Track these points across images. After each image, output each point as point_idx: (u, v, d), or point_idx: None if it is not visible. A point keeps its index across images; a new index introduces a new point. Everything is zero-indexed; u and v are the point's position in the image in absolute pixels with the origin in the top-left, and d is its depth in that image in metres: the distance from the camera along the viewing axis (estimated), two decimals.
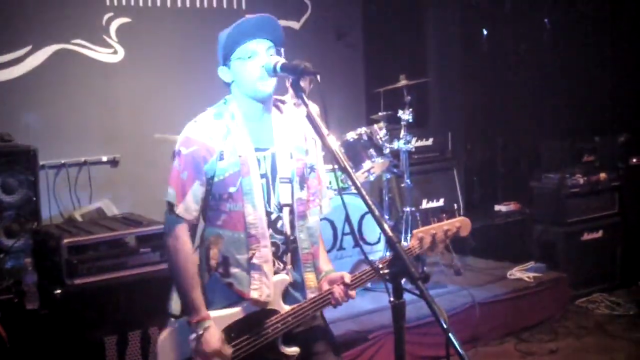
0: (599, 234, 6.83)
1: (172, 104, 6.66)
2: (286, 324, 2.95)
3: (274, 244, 2.98)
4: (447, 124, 8.42)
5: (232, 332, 2.93)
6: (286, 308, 2.98)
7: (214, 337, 2.86)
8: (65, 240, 4.42)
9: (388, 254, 5.72)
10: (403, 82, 6.31)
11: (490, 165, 8.76)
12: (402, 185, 6.40)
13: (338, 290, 3.00)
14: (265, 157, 2.99)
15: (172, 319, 2.98)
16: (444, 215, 3.43)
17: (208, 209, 2.96)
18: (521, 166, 8.52)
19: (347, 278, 3.03)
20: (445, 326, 2.21)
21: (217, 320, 2.91)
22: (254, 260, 2.91)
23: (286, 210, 3.02)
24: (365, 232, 5.79)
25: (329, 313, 5.19)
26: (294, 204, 3.03)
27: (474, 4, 8.79)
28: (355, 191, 2.49)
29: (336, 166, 2.55)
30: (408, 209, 6.24)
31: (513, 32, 8.70)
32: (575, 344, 5.62)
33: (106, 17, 6.72)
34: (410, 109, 6.26)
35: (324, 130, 2.58)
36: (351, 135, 5.89)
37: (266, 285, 2.92)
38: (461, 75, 8.98)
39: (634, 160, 7.20)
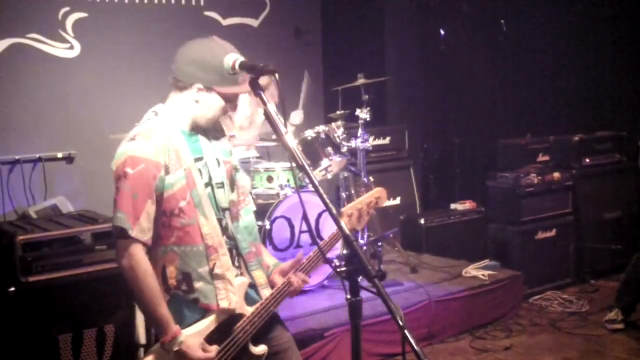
0: (553, 232, 6.93)
1: (129, 100, 6.59)
2: (254, 325, 2.97)
3: (229, 250, 3.00)
4: (404, 122, 8.47)
5: (210, 343, 2.92)
6: (250, 310, 2.99)
7: (193, 347, 2.83)
8: (19, 238, 4.36)
9: (345, 251, 5.75)
10: (361, 80, 6.34)
11: (446, 164, 8.83)
12: (359, 183, 6.43)
13: (295, 278, 3.04)
14: (203, 166, 2.99)
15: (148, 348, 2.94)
16: (363, 189, 4.30)
17: (160, 227, 2.89)
18: (477, 165, 8.61)
19: (301, 261, 3.11)
20: (401, 323, 2.23)
21: (194, 336, 2.89)
22: (216, 271, 2.91)
23: (227, 214, 3.05)
24: (323, 230, 5.80)
25: (286, 311, 5.23)
26: (229, 206, 3.06)
27: (432, 5, 8.85)
28: (312, 189, 2.50)
29: (294, 164, 2.56)
30: None
31: (470, 31, 8.78)
32: (529, 340, 5.70)
33: (62, 11, 6.64)
34: (368, 108, 6.28)
35: (282, 129, 2.59)
36: (309, 134, 5.89)
37: (232, 292, 2.93)
38: (419, 75, 9.05)
39: (587, 160, 7.32)
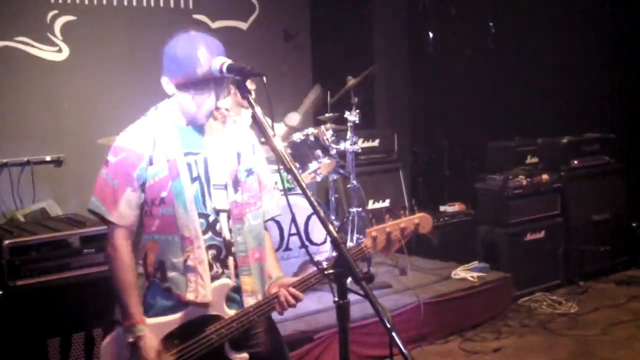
0: (542, 234, 6.95)
1: (117, 103, 6.59)
2: (230, 330, 2.92)
3: (215, 246, 2.98)
4: (394, 125, 8.49)
5: (175, 338, 2.91)
6: (230, 313, 2.96)
7: (150, 348, 2.85)
8: (7, 241, 4.35)
9: (334, 254, 5.75)
10: (351, 82, 6.35)
11: (435, 166, 8.86)
12: (349, 186, 6.43)
13: (284, 293, 2.94)
14: (197, 160, 2.99)
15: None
16: (402, 212, 3.30)
17: (144, 215, 2.94)
18: (466, 167, 8.63)
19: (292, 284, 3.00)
20: (388, 325, 2.24)
21: (158, 327, 2.90)
22: (189, 262, 2.91)
23: (224, 215, 3.02)
24: (312, 232, 5.80)
25: (275, 314, 5.21)
26: (230, 207, 3.03)
27: (421, 7, 8.87)
28: (301, 192, 2.51)
29: (282, 167, 2.56)
30: (354, 209, 6.28)
31: (458, 35, 8.81)
32: (518, 342, 5.71)
33: (51, 14, 6.63)
34: (357, 111, 6.29)
35: (270, 132, 2.59)
36: (298, 136, 5.89)
37: (201, 286, 2.92)
38: (408, 78, 9.07)
39: (576, 162, 7.34)
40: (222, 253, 3.01)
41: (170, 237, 2.92)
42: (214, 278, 2.96)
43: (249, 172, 3.12)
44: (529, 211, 6.91)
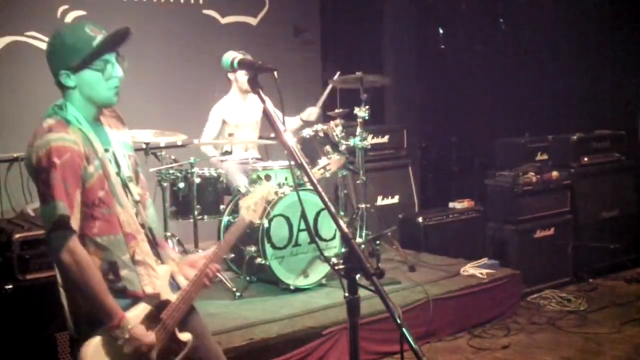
0: (551, 231, 6.93)
1: (128, 97, 6.52)
2: (180, 311, 3.03)
3: (146, 235, 3.03)
4: (403, 121, 8.48)
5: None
6: (174, 296, 3.05)
7: (143, 332, 2.89)
8: (17, 235, 4.37)
9: (343, 249, 5.75)
10: (358, 74, 6.35)
11: (445, 162, 8.85)
12: (358, 182, 6.43)
13: (212, 267, 3.11)
14: (111, 156, 2.98)
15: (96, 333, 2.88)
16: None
17: (82, 219, 2.84)
18: (475, 164, 8.62)
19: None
20: (399, 322, 2.23)
21: (136, 325, 2.92)
22: (137, 257, 2.94)
23: (139, 205, 3.07)
24: (321, 228, 5.80)
25: (284, 310, 5.25)
26: (140, 198, 3.09)
27: (430, 3, 8.86)
28: (311, 187, 2.50)
29: (292, 162, 2.55)
30: (363, 205, 6.28)
31: (468, 31, 8.79)
32: (527, 339, 5.69)
33: (61, 9, 6.66)
34: (367, 106, 6.29)
35: (281, 127, 2.58)
36: (307, 132, 5.89)
37: (155, 277, 2.98)
38: (417, 74, 9.05)
39: (586, 159, 7.32)
40: (152, 241, 3.07)
41: (114, 236, 2.90)
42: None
43: (137, 163, 3.16)
44: (539, 208, 6.89)
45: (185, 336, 3.09)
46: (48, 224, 2.77)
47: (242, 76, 6.41)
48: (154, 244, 3.09)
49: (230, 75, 6.52)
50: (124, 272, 2.91)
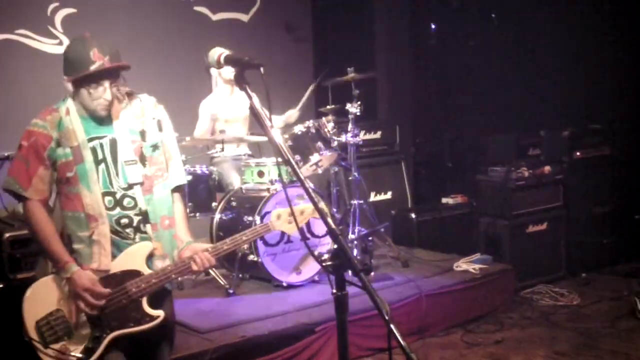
0: (544, 226, 6.93)
1: None
2: (149, 284, 3.24)
3: (127, 217, 3.30)
4: (395, 117, 8.48)
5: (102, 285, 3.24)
6: (149, 271, 3.28)
7: (83, 276, 3.18)
8: (7, 235, 4.37)
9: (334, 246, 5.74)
10: (351, 75, 6.33)
11: (437, 158, 8.84)
12: (350, 178, 6.43)
13: (201, 256, 3.29)
14: (103, 144, 3.33)
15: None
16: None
17: (56, 193, 3.33)
18: (468, 159, 8.61)
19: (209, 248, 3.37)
20: (386, 317, 2.23)
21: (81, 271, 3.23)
22: (94, 237, 3.25)
23: (138, 187, 3.34)
24: (313, 225, 5.80)
25: (278, 306, 5.24)
26: (143, 180, 3.36)
27: None
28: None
29: (280, 159, 2.54)
30: (356, 201, 6.27)
31: (461, 26, 8.78)
32: (520, 334, 5.70)
33: (51, 7, 6.64)
34: (359, 102, 6.28)
35: (267, 123, 2.57)
36: (299, 128, 5.89)
37: (104, 256, 3.26)
38: (409, 69, 9.05)
39: (578, 154, 7.31)
40: (135, 222, 3.32)
41: (77, 213, 3.26)
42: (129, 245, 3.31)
43: (155, 147, 3.45)
44: (531, 203, 6.89)
45: (156, 312, 3.28)
46: (7, 192, 3.33)
47: (227, 70, 6.40)
48: (142, 223, 3.33)
49: (213, 71, 6.50)
50: (77, 246, 3.27)
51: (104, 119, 3.34)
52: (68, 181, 3.26)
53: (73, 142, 3.27)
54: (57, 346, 3.17)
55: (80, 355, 3.19)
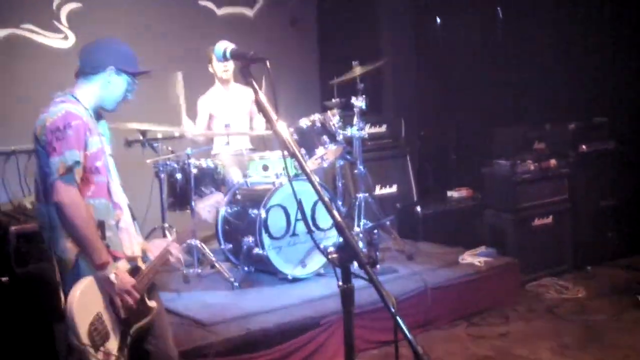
0: (549, 219, 6.93)
1: None
2: (147, 279, 3.42)
3: (130, 208, 3.50)
4: (400, 111, 8.47)
5: None
6: (144, 266, 3.46)
7: (125, 279, 3.28)
8: (14, 228, 4.38)
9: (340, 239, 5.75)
10: (357, 69, 6.33)
11: (442, 151, 8.83)
12: (355, 171, 6.43)
13: (176, 246, 3.54)
14: (104, 140, 3.45)
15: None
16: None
17: (80, 181, 3.26)
18: (473, 153, 8.60)
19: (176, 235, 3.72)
20: (392, 310, 2.24)
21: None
22: (121, 225, 3.39)
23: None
24: (319, 218, 5.80)
25: (282, 299, 5.26)
26: None
27: None
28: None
29: (286, 152, 2.54)
30: (361, 195, 6.28)
31: (466, 20, 8.76)
32: (525, 327, 5.70)
33: (57, 1, 6.65)
34: (364, 96, 6.28)
35: (273, 116, 2.57)
36: (304, 122, 5.88)
37: (135, 244, 3.45)
38: (415, 63, 9.03)
39: (584, 147, 7.30)
40: (133, 216, 3.52)
41: (105, 201, 3.33)
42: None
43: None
44: (537, 196, 6.88)
45: (152, 303, 3.47)
46: (55, 172, 3.16)
47: (218, 66, 6.41)
48: (133, 217, 3.53)
49: (210, 68, 6.53)
50: (109, 234, 3.32)
51: (96, 119, 3.44)
52: (97, 170, 3.31)
53: (96, 131, 3.35)
54: (104, 348, 3.22)
55: (117, 354, 3.26)
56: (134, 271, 3.39)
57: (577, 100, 7.96)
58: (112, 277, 3.22)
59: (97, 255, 3.20)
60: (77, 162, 3.19)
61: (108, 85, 3.41)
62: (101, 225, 3.28)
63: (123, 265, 3.34)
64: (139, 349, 3.46)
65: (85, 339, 3.14)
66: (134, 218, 3.53)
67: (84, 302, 3.18)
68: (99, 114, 3.48)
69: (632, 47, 7.66)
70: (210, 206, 3.87)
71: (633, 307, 5.97)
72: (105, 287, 3.24)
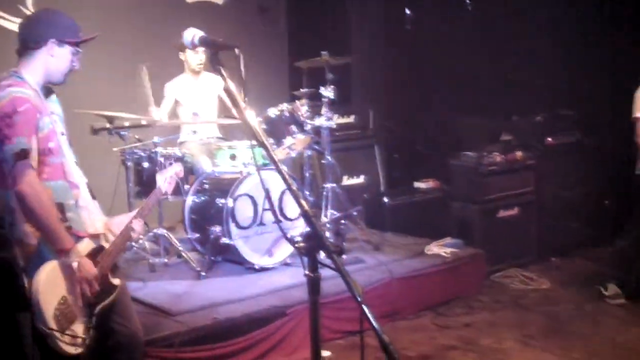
0: (515, 211, 6.99)
1: (91, 76, 6.49)
2: (111, 256, 3.44)
3: (88, 185, 3.49)
4: (369, 101, 8.47)
5: None
6: (106, 245, 3.45)
7: (88, 265, 3.27)
8: None
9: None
10: (325, 58, 6.32)
11: (410, 143, 8.85)
12: (323, 161, 6.44)
13: (138, 222, 3.55)
14: (56, 119, 3.40)
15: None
16: None
17: (35, 164, 3.23)
18: (441, 144, 8.63)
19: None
20: (359, 299, 2.24)
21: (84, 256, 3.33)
22: (80, 203, 3.38)
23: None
24: (286, 207, 5.80)
25: (249, 289, 5.24)
26: None
27: None
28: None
29: (254, 142, 2.54)
30: (329, 185, 6.28)
31: (435, 11, 8.77)
32: (490, 317, 5.76)
33: None
34: (332, 86, 6.27)
35: (242, 105, 2.56)
36: (273, 112, 5.87)
37: (96, 220, 3.45)
38: (383, 54, 9.02)
39: (549, 139, 7.37)
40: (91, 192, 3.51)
41: (61, 182, 3.32)
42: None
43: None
44: (503, 188, 6.94)
45: (116, 280, 3.48)
46: (10, 159, 3.13)
47: (192, 56, 6.40)
48: (93, 196, 3.51)
49: (181, 56, 6.50)
50: (69, 214, 3.32)
51: (44, 97, 3.40)
52: (50, 152, 3.27)
53: (48, 111, 3.31)
54: (70, 331, 3.23)
55: (84, 336, 3.28)
56: (98, 251, 3.38)
57: (544, 92, 8.02)
58: (75, 265, 3.23)
59: (60, 242, 3.21)
60: (30, 148, 3.16)
61: (52, 59, 3.36)
62: (60, 207, 3.29)
63: (87, 245, 3.34)
64: (104, 327, 3.46)
65: (51, 323, 3.16)
66: (93, 197, 3.51)
67: (48, 287, 3.18)
68: (48, 89, 3.45)
69: (598, 40, 7.73)
70: (170, 177, 3.93)
71: (596, 298, 6.05)
72: (68, 273, 3.24)
